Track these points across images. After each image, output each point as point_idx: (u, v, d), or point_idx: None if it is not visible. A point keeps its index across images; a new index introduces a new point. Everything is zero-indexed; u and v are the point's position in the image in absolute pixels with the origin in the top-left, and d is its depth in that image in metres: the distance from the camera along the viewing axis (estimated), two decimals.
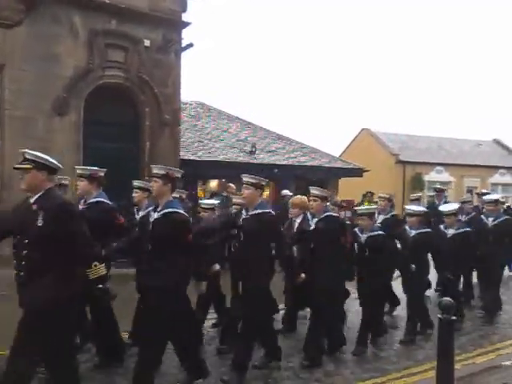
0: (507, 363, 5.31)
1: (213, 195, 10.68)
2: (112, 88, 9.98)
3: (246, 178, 4.58)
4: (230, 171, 12.42)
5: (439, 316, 3.97)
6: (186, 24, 10.69)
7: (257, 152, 13.46)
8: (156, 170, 4.06)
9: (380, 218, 7.19)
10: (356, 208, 6.33)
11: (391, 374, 5.01)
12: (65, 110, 9.39)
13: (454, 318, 3.98)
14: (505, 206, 9.13)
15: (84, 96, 9.61)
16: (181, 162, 10.92)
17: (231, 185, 11.25)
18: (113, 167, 9.70)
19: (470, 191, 24.97)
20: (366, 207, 6.31)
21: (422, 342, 6.02)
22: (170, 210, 3.90)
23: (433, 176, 24.09)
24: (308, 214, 5.60)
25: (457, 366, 4.35)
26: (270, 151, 14.14)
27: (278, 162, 13.39)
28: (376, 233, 5.72)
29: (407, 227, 6.21)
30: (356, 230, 5.88)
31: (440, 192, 9.50)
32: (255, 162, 13.01)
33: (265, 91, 60.67)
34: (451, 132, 42.27)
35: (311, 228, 5.31)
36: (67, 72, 9.41)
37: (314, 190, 5.23)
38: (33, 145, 8.99)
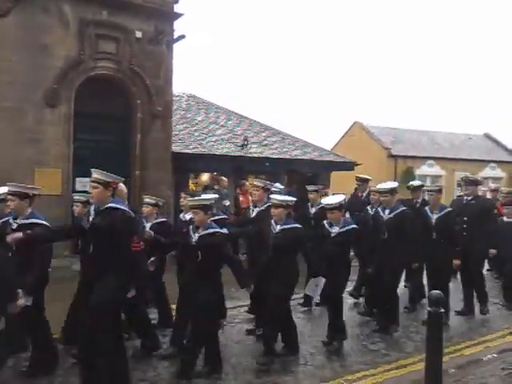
0: (495, 355, 5.38)
1: (205, 189, 10.66)
2: (103, 79, 9.90)
3: (95, 174, 4.06)
4: (221, 164, 12.38)
5: (428, 309, 4.01)
6: (178, 15, 10.61)
7: (249, 145, 13.42)
8: (13, 187, 4.36)
9: (255, 211, 6.13)
10: (189, 199, 5.22)
11: (381, 367, 5.05)
12: (55, 102, 9.30)
13: (442, 310, 4.02)
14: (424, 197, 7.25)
15: (75, 87, 9.52)
16: (172, 154, 10.88)
17: (223, 178, 11.22)
18: (103, 160, 9.78)
19: (459, 185, 25.16)
20: (196, 198, 5.05)
21: (412, 335, 6.08)
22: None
23: (424, 170, 24.18)
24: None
25: (445, 359, 4.40)
26: (261, 144, 14.11)
27: (269, 156, 13.35)
28: (211, 230, 4.60)
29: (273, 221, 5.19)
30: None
31: (364, 182, 8.01)
32: (247, 155, 12.98)
33: (256, 84, 60.50)
34: (442, 126, 42.40)
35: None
36: (58, 63, 9.30)
37: (95, 174, 4.13)
38: (23, 136, 8.99)
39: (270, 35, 62.04)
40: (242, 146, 13.27)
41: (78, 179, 9.71)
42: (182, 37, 10.61)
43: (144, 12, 10.12)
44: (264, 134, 15.03)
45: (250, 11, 63.31)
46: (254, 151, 13.37)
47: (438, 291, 4.12)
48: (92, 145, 9.89)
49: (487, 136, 29.33)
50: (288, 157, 13.76)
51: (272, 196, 5.42)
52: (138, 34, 10.08)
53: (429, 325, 4.08)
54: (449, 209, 6.73)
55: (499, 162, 26.60)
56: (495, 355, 5.37)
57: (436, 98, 59.64)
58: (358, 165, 15.23)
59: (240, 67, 59.19)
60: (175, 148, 11.40)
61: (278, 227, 5.09)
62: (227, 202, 10.34)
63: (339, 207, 5.48)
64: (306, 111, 59.18)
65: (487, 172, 26.11)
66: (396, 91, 58.26)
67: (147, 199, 6.02)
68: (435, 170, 24.55)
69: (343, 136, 27.07)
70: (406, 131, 26.40)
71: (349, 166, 15.09)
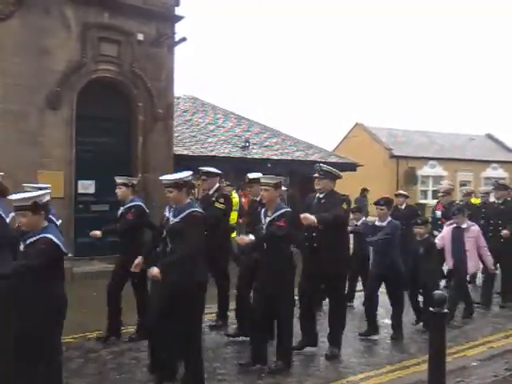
0: (498, 356, 5.36)
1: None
2: (105, 82, 9.92)
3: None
4: (223, 166, 12.35)
5: (431, 309, 4.00)
6: (179, 18, 10.63)
7: (250, 147, 13.43)
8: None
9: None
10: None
11: (385, 367, 5.04)
12: (57, 104, 9.32)
13: (445, 311, 4.01)
14: None
15: (77, 90, 9.54)
16: (174, 156, 10.89)
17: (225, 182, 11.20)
18: (105, 162, 9.80)
19: (463, 185, 25.11)
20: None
21: (416, 335, 6.07)
22: None
23: (426, 170, 24.21)
24: None
25: (448, 359, 4.40)
26: (263, 146, 14.10)
27: (271, 157, 13.35)
28: (40, 236, 3.57)
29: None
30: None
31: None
32: (249, 156, 12.98)
33: (258, 86, 60.60)
34: (444, 127, 42.42)
35: None
36: (60, 66, 9.32)
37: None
38: (25, 139, 9.00)
39: (272, 37, 62.17)
40: (244, 147, 13.27)
41: (80, 182, 9.73)
42: (183, 39, 10.63)
43: (145, 15, 10.14)
44: (265, 136, 15.03)
45: (251, 13, 63.47)
46: (256, 153, 13.37)
47: (440, 292, 4.12)
48: (94, 147, 9.91)
49: (489, 136, 29.33)
50: (289, 158, 13.75)
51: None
52: (140, 37, 10.10)
53: (432, 325, 4.08)
54: (283, 210, 4.83)
55: (501, 163, 26.61)
56: (499, 356, 5.36)
57: (438, 99, 59.67)
58: (359, 166, 15.23)
59: (241, 69, 59.33)
60: (177, 150, 11.41)
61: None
62: None
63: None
64: (307, 112, 59.25)
65: (489, 172, 26.11)
66: (398, 92, 58.29)
67: None
68: (437, 170, 24.56)
69: (345, 137, 27.09)
70: (407, 132, 26.42)
71: (351, 167, 15.08)
